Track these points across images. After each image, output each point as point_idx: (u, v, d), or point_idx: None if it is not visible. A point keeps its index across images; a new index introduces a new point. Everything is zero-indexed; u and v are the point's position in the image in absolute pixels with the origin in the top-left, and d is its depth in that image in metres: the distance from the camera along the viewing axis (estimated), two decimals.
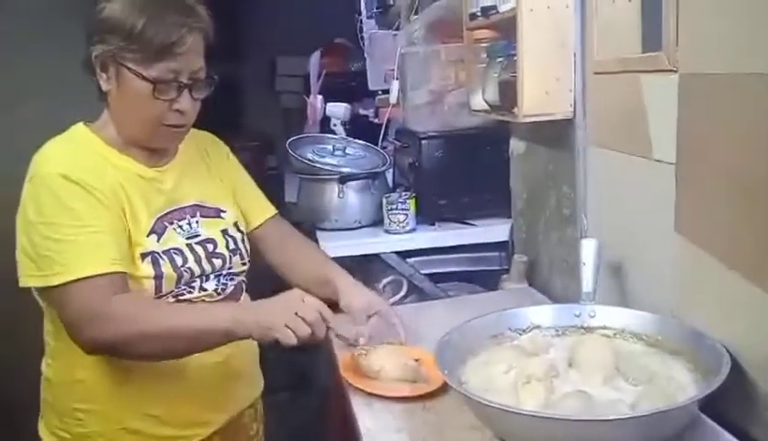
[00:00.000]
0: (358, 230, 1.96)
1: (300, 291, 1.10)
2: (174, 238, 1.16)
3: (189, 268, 1.16)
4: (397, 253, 1.87)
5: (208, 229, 1.22)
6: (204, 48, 1.14)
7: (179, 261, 1.15)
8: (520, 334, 1.16)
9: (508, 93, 1.45)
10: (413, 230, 1.88)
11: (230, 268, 1.24)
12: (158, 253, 1.13)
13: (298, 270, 1.38)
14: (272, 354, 1.30)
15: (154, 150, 1.20)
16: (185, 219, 1.20)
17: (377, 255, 1.89)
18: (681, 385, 0.97)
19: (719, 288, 1.00)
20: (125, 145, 1.17)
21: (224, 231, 1.25)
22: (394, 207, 1.86)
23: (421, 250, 1.89)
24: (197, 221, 1.21)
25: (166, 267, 1.13)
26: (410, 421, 1.08)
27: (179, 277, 1.15)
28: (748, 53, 0.90)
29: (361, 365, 1.21)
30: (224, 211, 1.27)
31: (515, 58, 1.39)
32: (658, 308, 1.12)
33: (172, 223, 1.17)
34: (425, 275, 1.87)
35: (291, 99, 4.34)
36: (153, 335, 1.04)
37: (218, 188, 1.29)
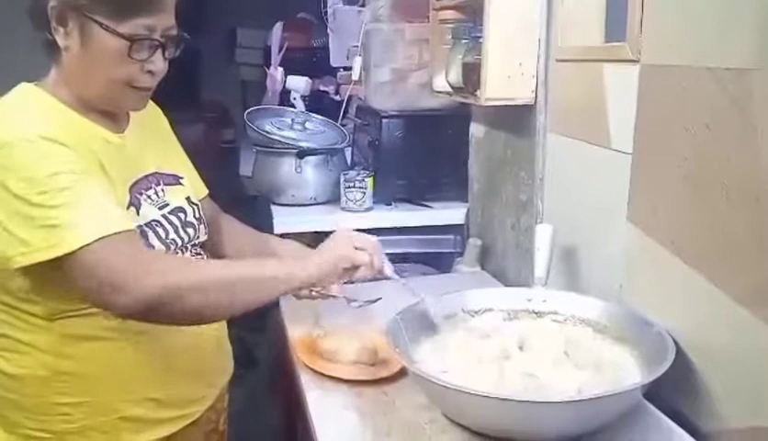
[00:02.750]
0: (314, 206, 1.94)
1: (348, 234, 1.11)
2: (149, 210, 1.08)
3: (173, 239, 1.09)
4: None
5: (174, 197, 1.15)
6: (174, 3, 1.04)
7: (162, 233, 1.07)
8: (472, 316, 1.17)
9: (471, 75, 1.45)
10: (370, 208, 1.87)
11: (198, 238, 1.18)
12: (142, 226, 1.05)
13: (232, 244, 1.31)
14: None
15: (111, 115, 1.08)
16: (150, 188, 1.11)
17: (332, 233, 1.87)
18: (626, 371, 1.00)
19: (668, 277, 1.02)
20: (84, 108, 1.04)
21: (188, 199, 1.19)
22: (352, 184, 1.85)
23: (376, 229, 1.87)
24: (162, 190, 1.13)
25: (154, 241, 1.05)
26: (359, 398, 1.07)
27: (167, 249, 1.07)
28: (708, 47, 0.91)
29: (318, 345, 1.19)
30: (182, 178, 1.20)
31: (480, 41, 1.39)
32: (608, 294, 1.14)
33: (141, 194, 1.09)
34: None
35: (251, 72, 4.26)
36: (202, 285, 0.96)
37: (171, 155, 1.23)
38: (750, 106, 0.84)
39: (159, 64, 1.04)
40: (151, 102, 1.21)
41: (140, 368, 1.06)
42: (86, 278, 0.93)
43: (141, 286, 0.92)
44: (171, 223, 1.11)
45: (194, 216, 1.18)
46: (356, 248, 1.08)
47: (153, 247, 1.05)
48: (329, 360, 1.17)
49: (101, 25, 0.97)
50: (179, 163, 1.24)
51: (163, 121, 1.28)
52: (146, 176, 1.12)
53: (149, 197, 1.10)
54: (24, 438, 1.05)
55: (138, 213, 1.06)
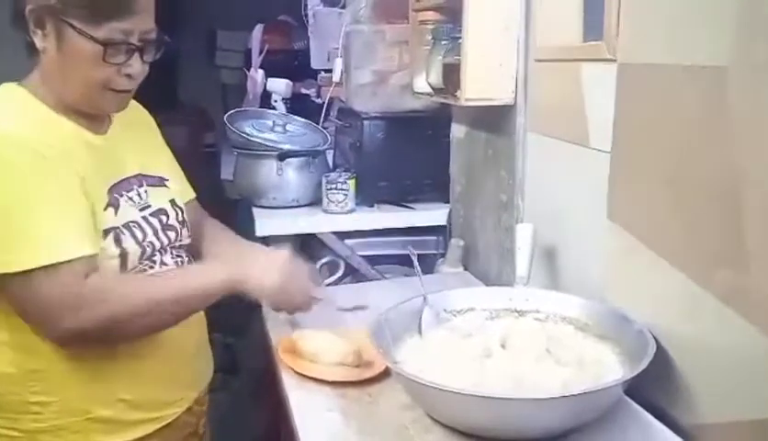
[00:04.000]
0: (296, 208, 1.93)
1: (289, 254, 1.12)
2: (128, 210, 1.08)
3: (150, 242, 1.09)
4: (335, 233, 1.86)
5: (157, 199, 1.15)
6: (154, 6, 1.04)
7: (139, 235, 1.07)
8: (455, 316, 1.17)
9: (451, 76, 1.45)
10: (352, 210, 1.86)
11: (180, 241, 1.18)
12: (118, 227, 1.05)
13: (214, 249, 1.30)
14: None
15: (92, 116, 1.08)
16: (132, 189, 1.11)
17: (314, 235, 1.87)
18: (608, 368, 1.00)
19: (647, 274, 1.03)
20: (64, 109, 1.04)
21: (172, 202, 1.18)
22: (334, 186, 1.84)
23: (359, 231, 1.88)
24: (145, 191, 1.13)
25: (128, 243, 1.05)
26: (342, 400, 1.07)
27: (143, 252, 1.07)
28: (684, 45, 0.92)
29: (299, 347, 1.19)
30: (167, 180, 1.20)
31: (460, 41, 1.39)
32: (589, 292, 1.15)
33: (122, 195, 1.08)
34: (363, 256, 1.87)
35: (231, 75, 4.23)
36: (144, 309, 0.99)
37: (156, 156, 1.22)
38: (726, 103, 0.85)
39: (137, 68, 1.04)
40: (137, 104, 1.23)
41: (109, 369, 1.06)
42: (23, 302, 0.96)
43: (74, 320, 0.95)
44: (150, 225, 1.11)
45: (176, 219, 1.17)
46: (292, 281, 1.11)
47: (127, 250, 1.04)
48: (312, 361, 1.17)
49: (75, 29, 0.98)
50: (165, 165, 1.24)
51: (150, 123, 1.28)
52: (128, 178, 1.12)
53: (130, 198, 1.10)
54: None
55: (116, 214, 1.05)
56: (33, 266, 0.93)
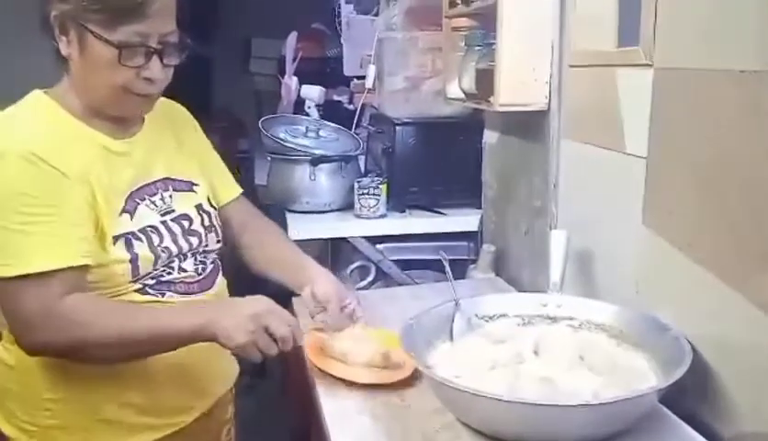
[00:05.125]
0: (329, 213, 1.95)
1: (270, 301, 1.03)
2: (147, 215, 1.08)
3: (166, 247, 1.09)
4: (366, 238, 1.87)
5: (182, 204, 1.15)
6: (177, 9, 1.05)
7: (156, 239, 1.08)
8: (487, 322, 1.16)
9: (484, 82, 1.45)
10: (384, 215, 1.87)
11: (206, 246, 1.17)
12: (133, 232, 1.05)
13: (262, 253, 1.32)
14: None
15: (120, 119, 1.10)
16: (157, 193, 1.11)
17: (346, 240, 1.88)
18: (642, 376, 0.99)
19: (684, 281, 1.01)
20: (89, 115, 1.06)
21: (198, 206, 1.18)
22: (366, 191, 1.85)
23: (390, 236, 1.88)
24: (170, 196, 1.13)
25: (141, 248, 1.05)
26: (371, 403, 1.07)
27: (156, 258, 1.07)
28: (722, 49, 0.91)
29: (328, 348, 1.19)
30: (197, 185, 1.19)
31: (493, 47, 1.39)
32: (623, 299, 1.14)
33: (144, 199, 1.09)
34: (394, 261, 1.87)
35: (265, 82, 4.28)
36: (116, 341, 0.99)
37: (188, 160, 1.21)
38: (764, 107, 0.83)
39: (156, 71, 1.04)
40: (177, 105, 1.25)
41: (119, 372, 1.06)
42: (6, 307, 0.99)
43: (43, 335, 0.97)
44: (170, 230, 1.11)
45: (201, 224, 1.17)
46: (266, 332, 1.01)
47: (137, 255, 1.04)
48: (341, 362, 1.17)
49: (93, 33, 0.99)
50: (197, 168, 1.23)
51: (187, 123, 1.28)
52: (154, 182, 1.13)
53: (153, 202, 1.10)
54: (18, 429, 1.09)
55: (132, 219, 1.06)
56: (12, 275, 0.95)
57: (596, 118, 1.25)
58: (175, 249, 1.11)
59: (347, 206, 1.93)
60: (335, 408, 1.07)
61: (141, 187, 1.10)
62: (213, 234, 1.19)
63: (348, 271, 1.88)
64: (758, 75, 0.84)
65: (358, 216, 1.87)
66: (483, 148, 1.85)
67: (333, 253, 2.00)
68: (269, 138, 1.98)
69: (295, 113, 2.58)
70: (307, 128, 2.08)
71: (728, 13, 0.90)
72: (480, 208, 1.88)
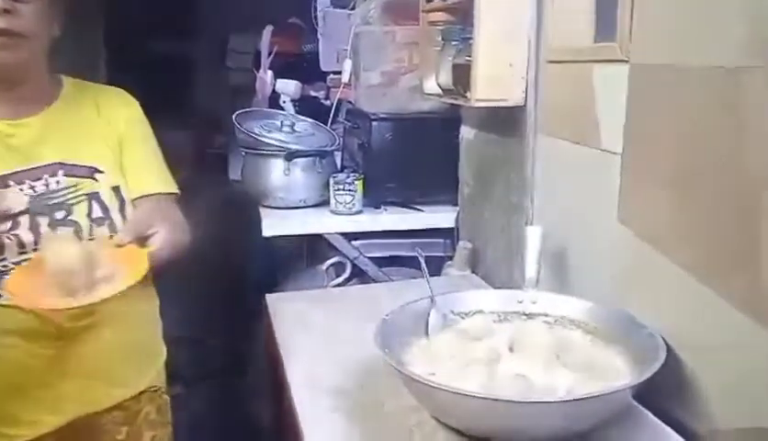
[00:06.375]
0: (303, 209, 1.93)
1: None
2: (15, 200, 1.02)
3: (16, 235, 1.02)
4: (342, 234, 1.85)
5: (72, 191, 1.08)
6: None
7: (4, 226, 1.00)
8: (462, 318, 1.15)
9: (461, 77, 1.44)
10: (360, 212, 1.86)
11: (90, 238, 1.08)
12: None
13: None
14: (198, 336, 1.22)
15: (13, 99, 1.05)
16: (41, 178, 1.06)
17: (321, 236, 1.86)
18: (617, 372, 0.99)
19: (658, 278, 1.01)
20: None
21: (92, 195, 1.10)
22: (341, 187, 1.83)
23: (366, 233, 1.87)
24: (57, 181, 1.07)
25: None
26: (345, 401, 1.05)
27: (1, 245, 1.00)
28: (698, 46, 0.91)
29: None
30: (100, 172, 1.12)
31: (470, 42, 1.38)
32: (598, 296, 1.13)
33: (22, 183, 1.04)
34: (370, 258, 1.86)
35: (241, 77, 4.23)
36: None
37: (99, 146, 1.13)
38: (740, 104, 0.83)
39: None
40: (124, 96, 1.19)
41: None
42: None
43: None
44: (33, 219, 1.05)
45: (86, 214, 1.09)
46: None
47: None
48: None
49: None
50: (111, 156, 1.14)
51: (122, 113, 1.19)
52: (39, 167, 1.07)
53: (32, 187, 1.05)
54: None
55: None
56: None
57: (573, 113, 1.24)
58: (29, 238, 1.04)
59: (323, 202, 1.91)
60: (309, 406, 1.05)
61: (23, 171, 1.05)
62: (106, 227, 1.10)
63: (324, 267, 1.87)
64: (733, 72, 0.84)
65: (334, 212, 1.86)
66: (460, 144, 1.84)
67: (309, 249, 1.98)
68: (243, 132, 1.95)
69: (270, 108, 2.56)
70: (282, 122, 2.06)
71: (704, 9, 0.89)
72: (456, 204, 1.87)
